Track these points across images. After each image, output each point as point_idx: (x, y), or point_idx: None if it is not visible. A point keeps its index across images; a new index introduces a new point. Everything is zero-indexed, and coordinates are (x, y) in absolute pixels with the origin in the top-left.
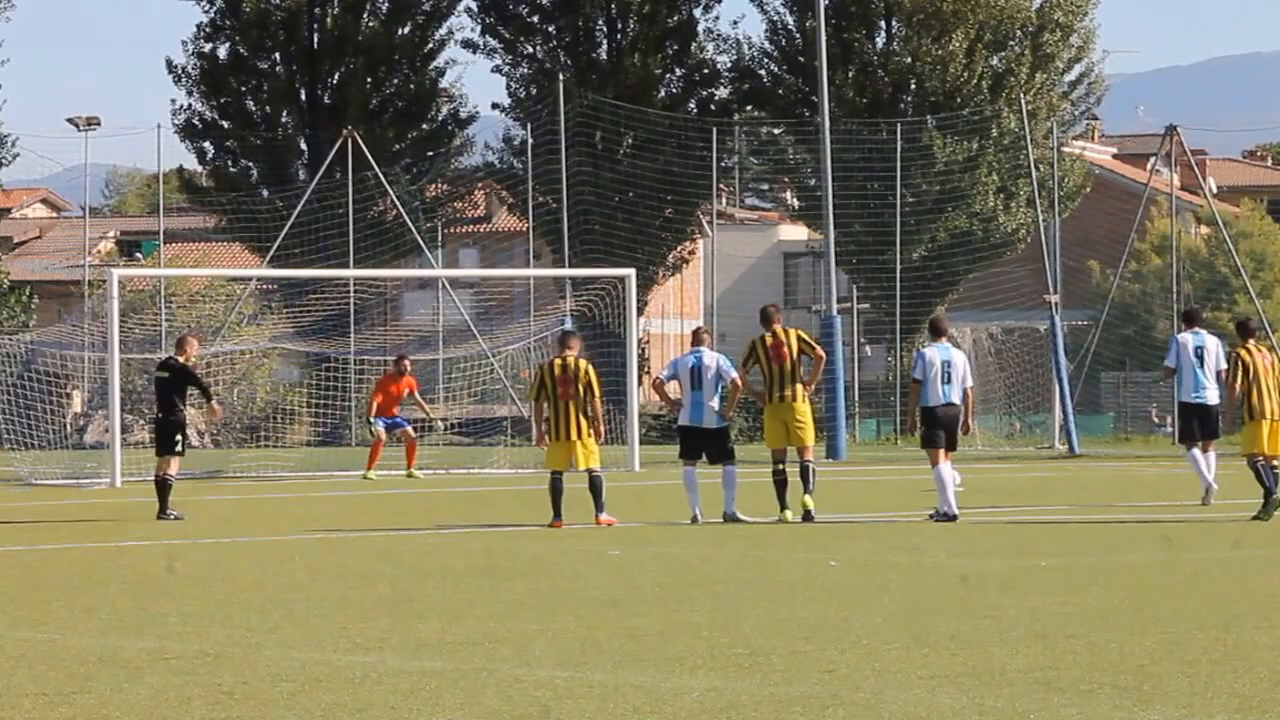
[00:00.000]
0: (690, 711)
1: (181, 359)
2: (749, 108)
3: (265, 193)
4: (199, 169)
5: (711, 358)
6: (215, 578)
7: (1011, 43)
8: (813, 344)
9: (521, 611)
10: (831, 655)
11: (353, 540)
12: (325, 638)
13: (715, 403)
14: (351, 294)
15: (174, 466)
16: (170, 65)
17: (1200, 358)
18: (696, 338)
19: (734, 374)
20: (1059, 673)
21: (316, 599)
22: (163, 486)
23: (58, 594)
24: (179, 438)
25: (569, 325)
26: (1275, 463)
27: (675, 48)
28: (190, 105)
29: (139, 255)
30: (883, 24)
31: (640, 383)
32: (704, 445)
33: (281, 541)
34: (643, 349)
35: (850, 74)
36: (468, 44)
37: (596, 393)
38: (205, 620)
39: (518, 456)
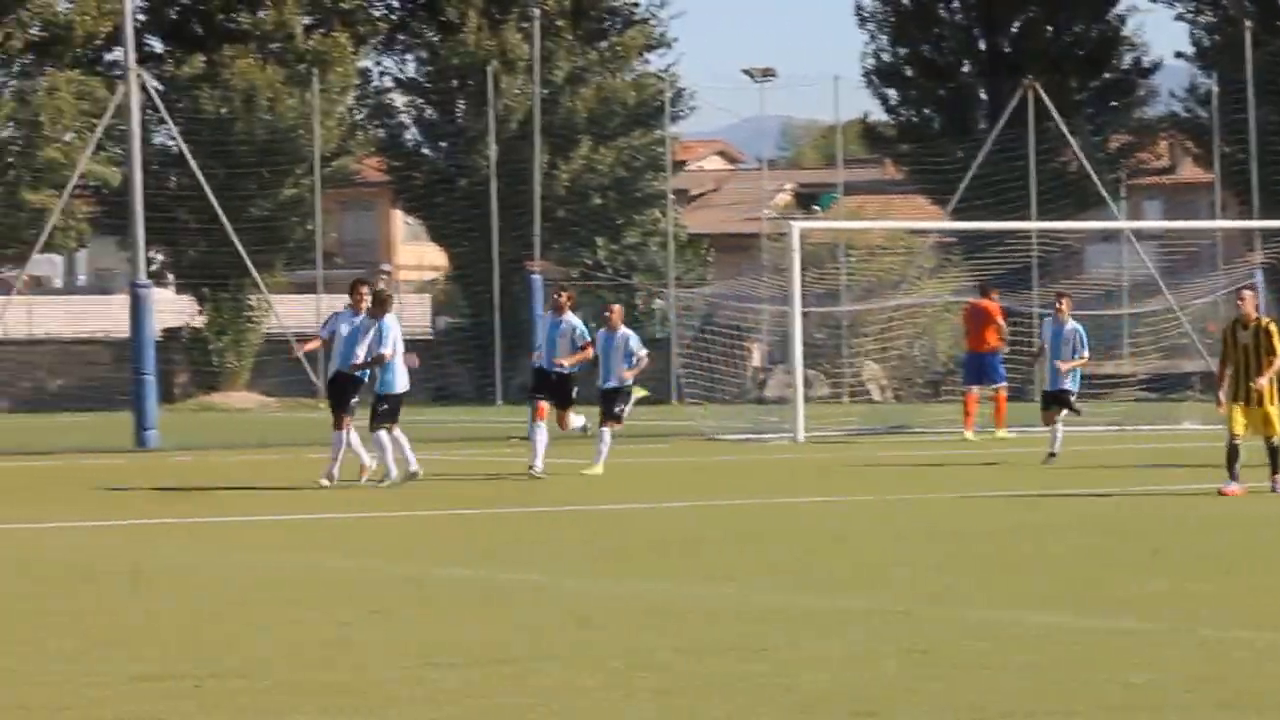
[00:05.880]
0: None
1: None
2: None
3: (948, 143)
4: (884, 118)
5: None
6: (886, 535)
7: None
8: None
9: (1210, 570)
10: None
11: (1032, 500)
12: (1010, 595)
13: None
14: (1034, 247)
15: None
16: (858, 10)
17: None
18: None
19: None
20: None
21: (998, 557)
22: None
23: (734, 548)
24: None
25: (1258, 279)
26: None
27: None
28: (877, 52)
29: (816, 207)
30: None
31: None
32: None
33: (961, 499)
34: None
35: None
36: None
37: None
38: (876, 579)
39: (1206, 412)
